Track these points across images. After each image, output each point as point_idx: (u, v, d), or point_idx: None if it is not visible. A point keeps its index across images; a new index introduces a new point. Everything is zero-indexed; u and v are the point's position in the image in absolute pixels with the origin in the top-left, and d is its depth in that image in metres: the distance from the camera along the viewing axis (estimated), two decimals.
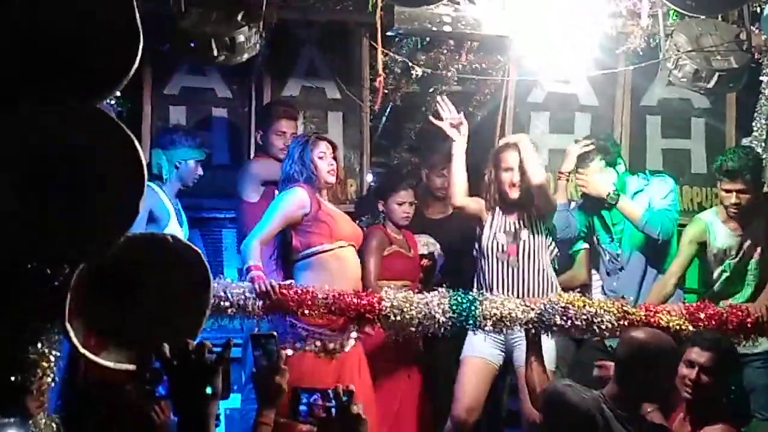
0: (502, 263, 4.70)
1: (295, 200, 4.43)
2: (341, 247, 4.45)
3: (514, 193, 4.77)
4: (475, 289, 4.48)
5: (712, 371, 3.64)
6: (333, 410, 2.75)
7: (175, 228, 4.53)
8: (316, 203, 4.46)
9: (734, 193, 4.67)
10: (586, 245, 5.08)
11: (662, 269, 4.86)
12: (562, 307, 4.07)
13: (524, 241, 4.73)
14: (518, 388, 4.60)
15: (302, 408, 2.79)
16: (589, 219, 5.07)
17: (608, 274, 4.99)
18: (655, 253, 4.89)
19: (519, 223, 4.77)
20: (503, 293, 4.56)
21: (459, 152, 4.78)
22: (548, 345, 4.31)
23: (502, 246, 4.73)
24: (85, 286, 2.98)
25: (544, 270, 4.73)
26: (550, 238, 4.82)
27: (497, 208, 4.81)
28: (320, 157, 4.52)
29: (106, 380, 3.30)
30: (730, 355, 3.79)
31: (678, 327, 4.08)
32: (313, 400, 2.78)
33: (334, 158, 4.58)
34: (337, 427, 2.74)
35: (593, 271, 5.18)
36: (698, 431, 3.63)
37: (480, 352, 4.61)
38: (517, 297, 4.46)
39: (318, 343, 4.30)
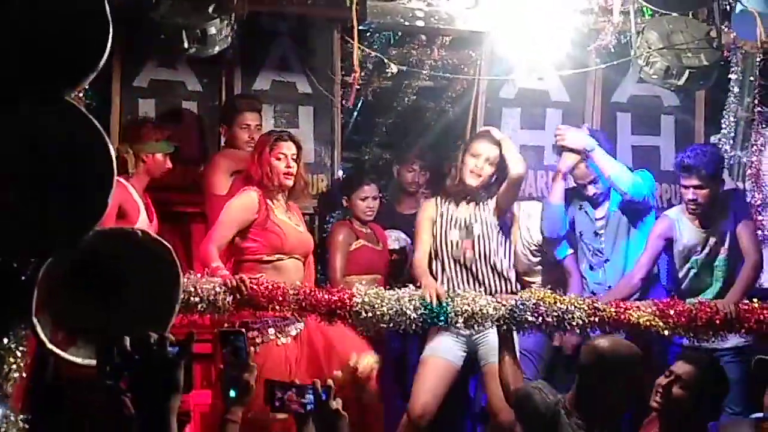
0: (456, 262, 4.67)
1: (244, 206, 4.40)
2: (279, 260, 4.40)
3: (472, 180, 4.71)
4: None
5: (688, 386, 3.46)
6: (309, 406, 2.75)
7: (145, 223, 4.48)
8: (265, 210, 4.40)
9: (691, 189, 4.69)
10: (571, 249, 5.06)
11: None
12: (533, 304, 4.07)
13: (479, 236, 4.70)
14: (485, 386, 4.60)
15: (276, 403, 2.78)
16: (572, 214, 5.04)
17: (591, 268, 4.96)
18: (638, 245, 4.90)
19: (471, 217, 4.74)
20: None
21: None
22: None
23: (456, 243, 4.70)
24: (53, 280, 2.94)
25: (502, 270, 4.69)
26: (508, 241, 4.79)
27: (449, 204, 4.76)
28: (278, 158, 4.46)
29: (76, 376, 3.27)
30: (711, 373, 3.58)
31: (648, 323, 4.10)
32: (287, 396, 2.78)
33: (296, 160, 4.50)
34: (314, 422, 2.75)
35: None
36: None
37: (442, 352, 4.59)
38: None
39: (272, 330, 4.30)
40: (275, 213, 4.45)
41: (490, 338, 4.36)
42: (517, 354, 4.14)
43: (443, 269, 4.66)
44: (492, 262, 4.68)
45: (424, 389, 4.56)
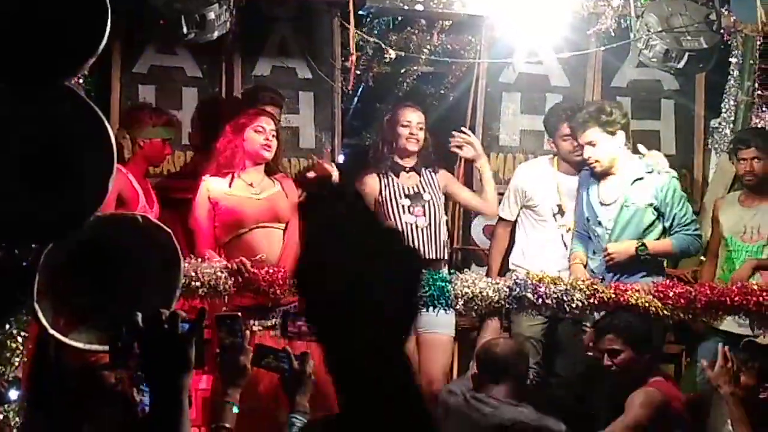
0: (411, 226, 4.71)
1: (202, 203, 4.42)
2: (242, 234, 4.38)
3: (413, 146, 4.80)
4: None
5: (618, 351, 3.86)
6: (286, 370, 2.93)
7: (144, 209, 4.48)
8: (215, 193, 4.41)
9: (747, 161, 4.83)
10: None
11: None
12: (532, 284, 4.09)
13: (428, 203, 4.76)
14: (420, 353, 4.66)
15: (263, 362, 2.97)
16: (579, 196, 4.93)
17: (594, 252, 4.88)
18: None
19: (419, 186, 4.80)
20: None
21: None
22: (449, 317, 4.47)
23: (408, 208, 4.75)
24: (54, 266, 2.96)
25: (445, 231, 4.80)
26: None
27: (390, 175, 4.81)
28: (258, 132, 4.45)
29: (78, 363, 3.28)
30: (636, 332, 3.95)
31: (647, 305, 4.12)
32: (265, 362, 2.98)
33: (276, 134, 4.50)
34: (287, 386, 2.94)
35: None
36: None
37: (432, 326, 4.57)
38: (435, 258, 4.65)
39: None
40: (227, 191, 4.42)
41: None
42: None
43: None
44: (440, 230, 4.76)
45: (431, 366, 4.60)
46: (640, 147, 4.92)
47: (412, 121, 4.81)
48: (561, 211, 4.94)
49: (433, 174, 4.88)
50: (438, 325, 4.56)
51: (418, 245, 4.67)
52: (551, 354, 4.92)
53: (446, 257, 4.79)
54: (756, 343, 3.76)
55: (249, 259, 4.09)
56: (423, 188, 4.80)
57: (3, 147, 2.80)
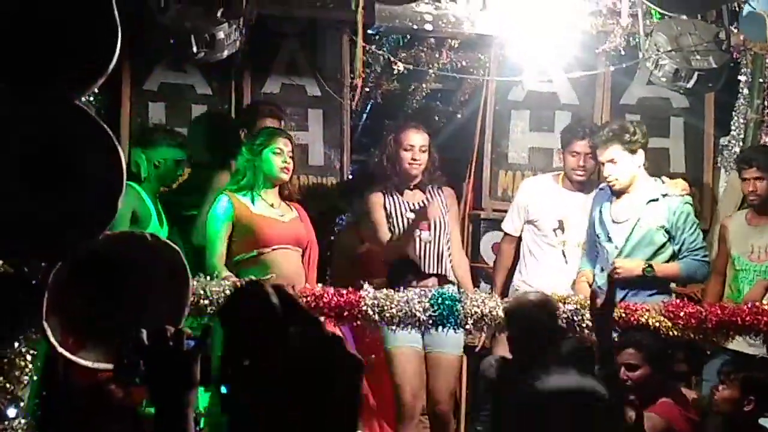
0: (416, 240, 4.67)
1: (224, 215, 4.41)
2: (261, 254, 4.38)
3: (415, 171, 4.77)
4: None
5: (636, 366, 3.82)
6: None
7: (156, 228, 4.49)
8: (240, 210, 4.40)
9: (750, 181, 4.82)
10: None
11: None
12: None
13: (434, 219, 4.72)
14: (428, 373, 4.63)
15: None
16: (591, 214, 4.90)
17: (602, 269, 4.85)
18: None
19: (424, 202, 4.76)
20: (422, 270, 4.62)
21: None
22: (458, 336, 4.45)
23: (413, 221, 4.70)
24: (63, 284, 2.96)
25: (448, 250, 4.76)
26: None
27: (395, 193, 4.78)
28: (276, 153, 4.44)
29: (85, 380, 3.28)
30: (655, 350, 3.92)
31: (657, 324, 4.10)
32: None
33: (291, 155, 4.49)
34: None
35: None
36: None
37: (403, 341, 4.51)
38: (435, 273, 4.61)
39: None
40: (252, 209, 4.42)
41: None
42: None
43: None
44: (445, 246, 4.73)
45: (407, 377, 4.54)
46: (664, 179, 4.90)
47: (416, 144, 4.74)
48: (561, 227, 4.93)
49: (439, 191, 4.86)
50: (446, 345, 4.53)
51: (424, 259, 4.66)
52: None
53: (451, 274, 4.74)
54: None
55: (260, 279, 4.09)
56: (428, 204, 4.77)
57: (12, 165, 2.80)
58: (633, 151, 4.66)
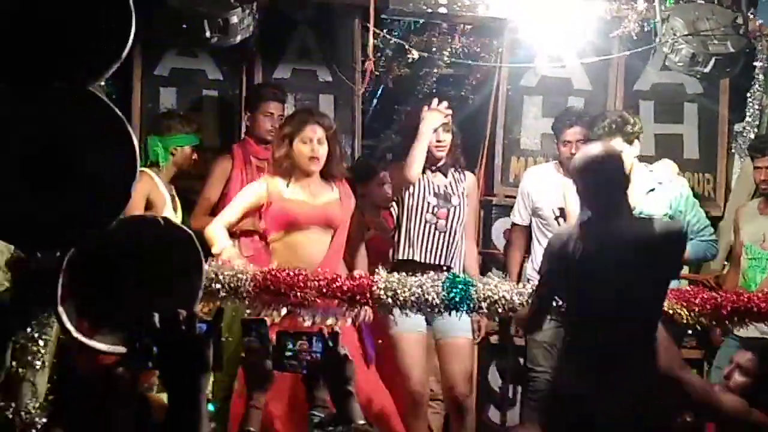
0: (431, 226, 4.66)
1: (253, 193, 4.39)
2: (288, 234, 4.33)
3: (441, 153, 4.74)
4: (399, 255, 4.59)
5: (748, 372, 3.63)
6: (317, 355, 2.79)
7: (170, 213, 4.51)
8: (275, 195, 4.35)
9: (763, 170, 4.85)
10: None
11: None
12: None
13: (455, 207, 4.71)
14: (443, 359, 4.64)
15: (288, 353, 2.82)
16: None
17: None
18: None
19: (450, 188, 4.75)
20: (427, 259, 4.61)
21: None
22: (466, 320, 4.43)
23: (433, 207, 4.69)
24: (77, 270, 2.95)
25: (463, 242, 4.75)
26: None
27: (428, 170, 4.74)
28: (304, 142, 4.35)
29: (90, 365, 3.28)
30: None
31: (672, 311, 4.08)
32: (299, 345, 2.82)
33: (329, 140, 4.37)
34: (322, 372, 2.79)
35: None
36: None
37: (409, 325, 4.48)
38: (441, 264, 4.59)
39: None
40: (284, 194, 4.37)
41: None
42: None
43: (416, 231, 4.67)
44: (461, 236, 4.73)
45: (413, 364, 4.53)
46: (645, 165, 4.91)
47: (438, 125, 4.69)
48: (563, 215, 4.91)
49: (462, 176, 4.83)
50: (456, 329, 4.53)
51: (433, 247, 4.65)
52: None
53: (457, 266, 4.71)
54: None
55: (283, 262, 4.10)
56: (453, 191, 4.76)
57: (27, 151, 2.79)
58: (631, 142, 4.70)
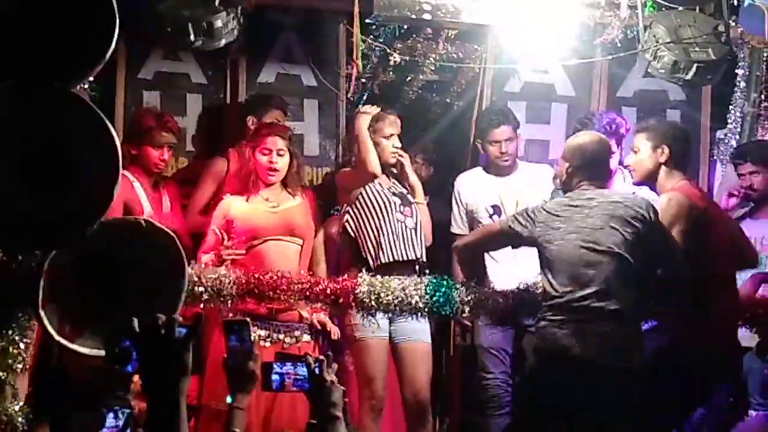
0: (401, 224, 4.65)
1: (220, 214, 4.46)
2: (252, 246, 4.40)
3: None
4: (383, 258, 4.53)
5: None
6: (302, 382, 2.80)
7: (152, 216, 4.49)
8: (237, 210, 4.43)
9: (746, 176, 4.96)
10: None
11: None
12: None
13: (413, 204, 4.74)
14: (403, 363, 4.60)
15: (274, 377, 2.81)
16: None
17: None
18: None
19: (401, 186, 4.79)
20: (406, 256, 4.59)
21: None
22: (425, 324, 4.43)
23: (399, 206, 4.70)
24: (58, 272, 2.94)
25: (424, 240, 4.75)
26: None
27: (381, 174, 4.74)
28: (264, 153, 4.46)
29: (80, 367, 3.26)
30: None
31: None
32: (285, 370, 2.82)
33: (289, 150, 4.49)
34: (309, 398, 2.80)
35: None
36: None
37: (372, 331, 4.47)
38: (418, 257, 4.60)
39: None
40: (245, 208, 4.44)
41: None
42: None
43: (389, 229, 4.63)
44: (423, 232, 4.73)
45: (375, 370, 4.51)
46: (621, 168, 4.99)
47: (395, 132, 4.74)
48: (497, 212, 4.95)
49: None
50: (417, 332, 4.52)
51: (409, 244, 4.64)
52: (520, 362, 4.84)
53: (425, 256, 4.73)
54: None
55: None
56: (404, 189, 4.80)
57: (7, 153, 2.78)
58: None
